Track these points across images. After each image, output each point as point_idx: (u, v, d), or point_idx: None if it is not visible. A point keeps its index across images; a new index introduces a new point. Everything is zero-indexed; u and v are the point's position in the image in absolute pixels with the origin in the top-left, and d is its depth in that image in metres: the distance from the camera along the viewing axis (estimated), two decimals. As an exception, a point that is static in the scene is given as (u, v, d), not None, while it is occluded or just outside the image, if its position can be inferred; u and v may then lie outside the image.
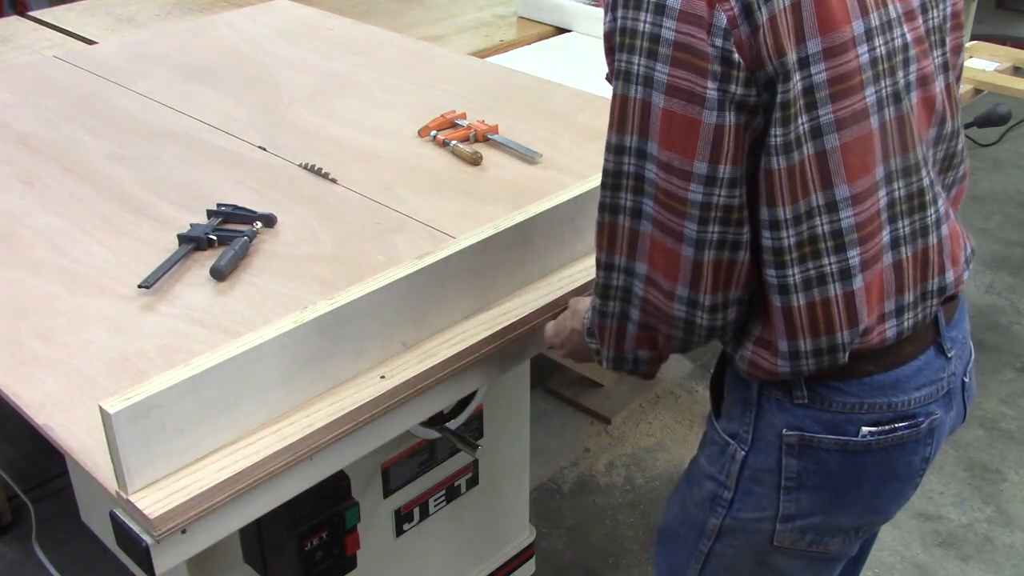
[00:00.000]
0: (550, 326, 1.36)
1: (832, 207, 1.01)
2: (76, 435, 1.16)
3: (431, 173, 1.73)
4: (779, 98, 0.96)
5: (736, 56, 0.93)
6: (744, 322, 1.10)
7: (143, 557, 1.08)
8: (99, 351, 1.29)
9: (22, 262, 1.49)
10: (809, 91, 0.97)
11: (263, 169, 1.75)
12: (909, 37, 1.05)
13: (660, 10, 0.94)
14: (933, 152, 1.12)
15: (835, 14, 0.97)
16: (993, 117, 2.15)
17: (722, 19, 0.93)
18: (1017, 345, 3.06)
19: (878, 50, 1.01)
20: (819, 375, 1.10)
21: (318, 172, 1.72)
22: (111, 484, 1.09)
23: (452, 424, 1.62)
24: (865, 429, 1.11)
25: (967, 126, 2.25)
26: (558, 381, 2.88)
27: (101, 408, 1.04)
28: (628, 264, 1.08)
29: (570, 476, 2.57)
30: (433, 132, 1.83)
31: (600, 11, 2.51)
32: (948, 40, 1.13)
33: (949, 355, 1.16)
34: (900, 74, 1.04)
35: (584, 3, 2.58)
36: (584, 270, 1.47)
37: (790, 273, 1.03)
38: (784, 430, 1.13)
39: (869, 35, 1.00)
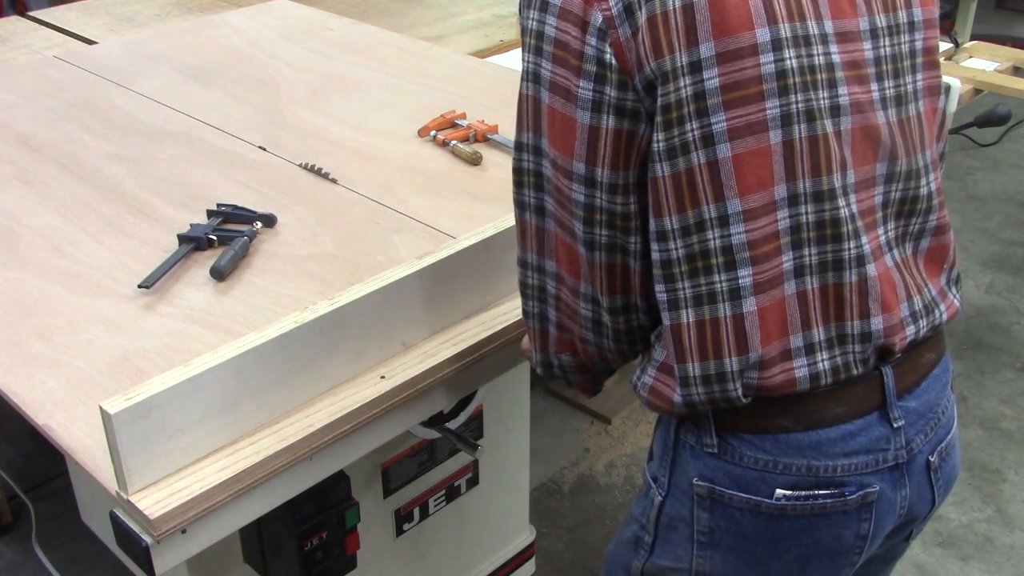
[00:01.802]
0: (526, 339, 1.29)
1: (724, 221, 0.94)
2: (76, 435, 1.16)
3: (431, 173, 1.73)
4: (660, 102, 0.92)
5: (609, 57, 0.92)
6: (652, 346, 1.05)
7: (143, 557, 1.08)
8: (99, 351, 1.29)
9: (22, 262, 1.49)
10: (700, 96, 0.91)
11: (263, 169, 1.75)
12: (838, 58, 0.97)
13: (544, 7, 0.96)
14: (883, 190, 1.02)
15: (732, 19, 0.91)
16: (993, 117, 2.15)
17: (598, 18, 0.92)
18: (1017, 345, 3.06)
19: (788, 62, 0.93)
20: (725, 422, 1.02)
21: (318, 172, 1.72)
22: (111, 484, 1.09)
23: (452, 424, 1.62)
24: (780, 492, 1.01)
25: (967, 126, 2.26)
26: (558, 381, 2.88)
27: (101, 408, 1.04)
28: (539, 261, 1.09)
29: (570, 476, 2.57)
30: (433, 132, 1.83)
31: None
32: (918, 76, 1.06)
33: (895, 424, 1.03)
34: (820, 93, 0.95)
35: (584, 3, 2.58)
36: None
37: (680, 287, 0.97)
38: (695, 479, 1.05)
39: (777, 45, 0.92)
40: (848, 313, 1.00)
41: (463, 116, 1.88)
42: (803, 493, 1.02)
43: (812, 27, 0.96)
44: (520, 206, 1.08)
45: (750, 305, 0.96)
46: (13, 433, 2.53)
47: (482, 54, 2.43)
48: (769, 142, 0.94)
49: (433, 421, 1.56)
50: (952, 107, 2.22)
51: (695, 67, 0.91)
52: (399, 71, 2.17)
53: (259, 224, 1.54)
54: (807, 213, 0.97)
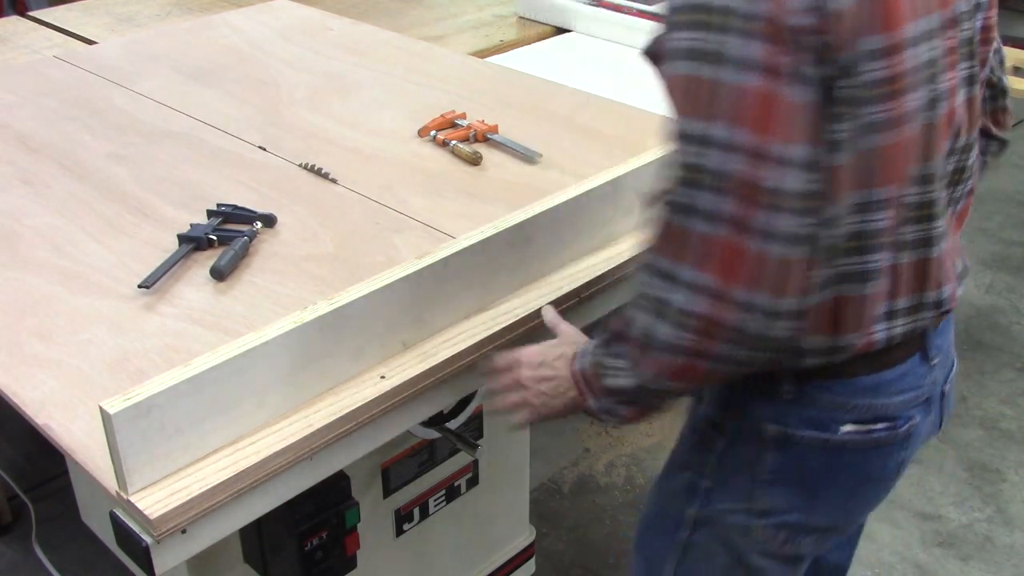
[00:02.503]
0: (529, 351, 1.22)
1: (870, 207, 1.00)
2: (76, 435, 1.16)
3: (431, 173, 1.73)
4: (844, 92, 0.92)
5: (810, 37, 0.89)
6: None
7: (143, 557, 1.08)
8: (99, 351, 1.29)
9: (22, 262, 1.49)
10: (864, 87, 0.94)
11: (263, 169, 1.75)
12: (945, 47, 1.02)
13: None
14: (943, 164, 1.10)
15: (896, 14, 0.94)
16: (993, 117, 2.15)
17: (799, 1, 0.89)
18: (1017, 345, 3.06)
19: (923, 56, 0.98)
20: (802, 372, 1.09)
21: (318, 172, 1.72)
22: (111, 484, 1.09)
23: (452, 424, 1.62)
24: (844, 428, 1.11)
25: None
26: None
27: (101, 408, 1.04)
28: (690, 275, 0.95)
29: (570, 476, 2.57)
30: (433, 132, 1.83)
31: (600, 11, 2.52)
32: (978, 55, 1.12)
33: (932, 363, 1.15)
34: (937, 82, 1.01)
35: (584, 3, 2.58)
36: (584, 270, 1.47)
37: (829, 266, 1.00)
38: (767, 424, 1.13)
39: (918, 40, 0.97)
40: (929, 284, 1.10)
41: (463, 116, 1.88)
42: (863, 428, 1.12)
43: (936, 18, 1.00)
44: (682, 210, 0.95)
45: (874, 287, 1.05)
46: (13, 433, 2.53)
47: (482, 54, 2.43)
48: (907, 134, 0.99)
49: (433, 421, 1.56)
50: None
51: (865, 57, 0.93)
52: (399, 71, 2.17)
53: (259, 224, 1.54)
54: (912, 195, 1.04)
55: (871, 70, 0.93)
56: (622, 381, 1.06)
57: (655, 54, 1.05)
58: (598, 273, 1.46)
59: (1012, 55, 2.50)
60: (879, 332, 1.08)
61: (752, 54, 0.89)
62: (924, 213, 1.06)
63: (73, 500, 1.99)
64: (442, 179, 1.71)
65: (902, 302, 1.09)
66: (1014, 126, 2.22)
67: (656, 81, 1.06)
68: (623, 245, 1.53)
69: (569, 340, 1.22)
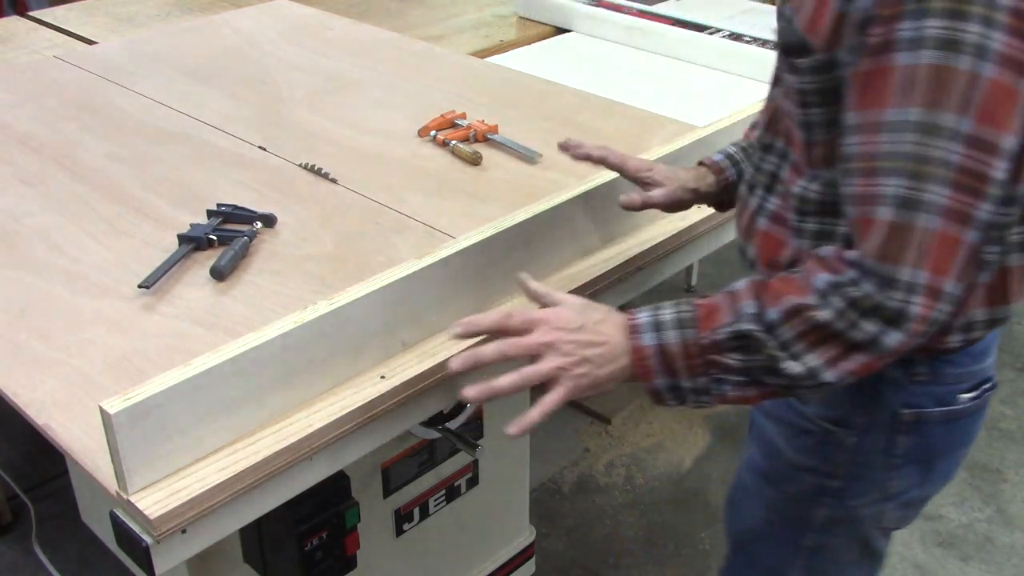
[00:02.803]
0: (564, 311, 1.09)
1: None
2: (76, 435, 1.16)
3: (431, 173, 1.73)
4: None
5: None
6: None
7: (143, 557, 1.08)
8: (99, 351, 1.29)
9: (22, 262, 1.49)
10: None
11: (263, 169, 1.75)
12: None
13: None
14: None
15: None
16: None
17: None
18: (1017, 345, 3.06)
19: None
20: (946, 351, 1.10)
21: (318, 172, 1.72)
22: (111, 484, 1.09)
23: (452, 424, 1.62)
24: (963, 396, 1.15)
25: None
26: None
27: (101, 408, 1.04)
28: (910, 275, 0.93)
29: (570, 476, 2.57)
30: (433, 132, 1.83)
31: (600, 11, 2.52)
32: None
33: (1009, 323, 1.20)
34: None
35: (584, 3, 2.58)
36: (584, 270, 1.47)
37: (1006, 239, 1.03)
38: (901, 409, 1.14)
39: None
40: None
41: (463, 116, 1.88)
42: (976, 392, 1.16)
43: None
44: (904, 204, 0.92)
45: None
46: (13, 433, 2.53)
47: (482, 54, 2.43)
48: None
49: (433, 421, 1.56)
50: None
51: None
52: (399, 71, 2.17)
53: (259, 224, 1.54)
54: None
55: None
56: (790, 367, 0.98)
57: (801, 46, 1.01)
58: (598, 273, 1.46)
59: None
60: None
61: (1012, 51, 0.88)
62: None
63: (73, 500, 1.99)
64: (442, 179, 1.71)
65: None
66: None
67: (790, 72, 1.04)
68: (623, 245, 1.53)
69: (598, 305, 1.10)
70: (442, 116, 1.88)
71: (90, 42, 2.48)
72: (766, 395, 1.03)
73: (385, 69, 2.18)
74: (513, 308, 1.11)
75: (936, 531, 2.39)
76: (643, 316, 1.05)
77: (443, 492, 1.75)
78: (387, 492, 1.64)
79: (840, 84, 0.99)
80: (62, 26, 2.62)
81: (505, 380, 1.06)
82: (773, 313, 0.99)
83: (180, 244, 1.50)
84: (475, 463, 1.79)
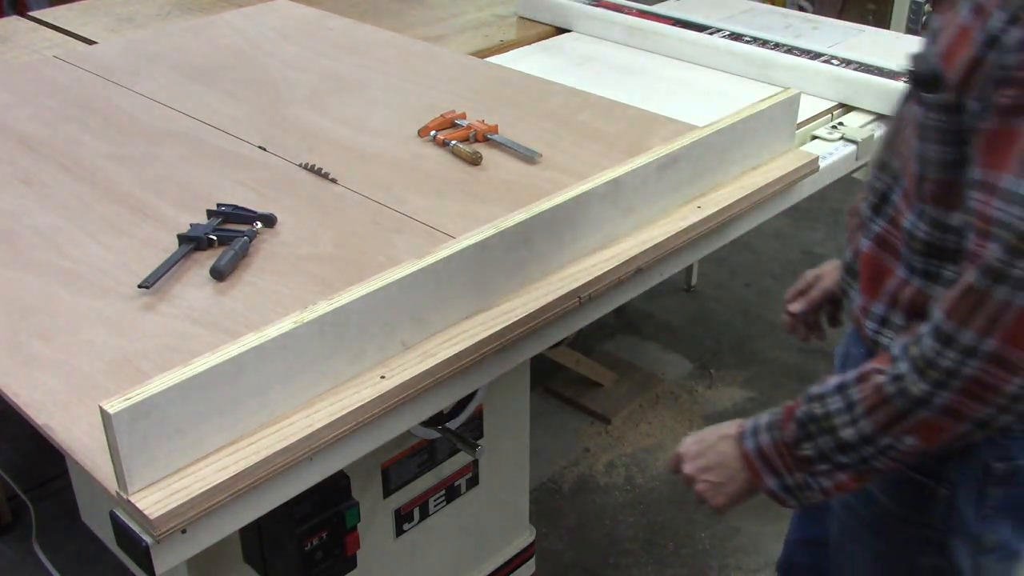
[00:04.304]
0: (688, 442, 1.19)
1: None
2: (76, 435, 1.16)
3: (431, 173, 1.73)
4: None
5: None
6: None
7: (143, 557, 1.08)
8: (99, 351, 1.29)
9: (22, 262, 1.49)
10: None
11: (263, 169, 1.75)
12: None
13: None
14: None
15: None
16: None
17: None
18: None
19: None
20: None
21: (318, 172, 1.72)
22: (111, 484, 1.09)
23: (452, 424, 1.62)
24: None
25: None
26: (558, 381, 2.88)
27: (101, 408, 1.04)
28: (975, 341, 0.93)
29: (570, 476, 2.57)
30: (433, 132, 1.83)
31: (600, 11, 2.52)
32: None
33: None
34: None
35: (584, 3, 2.58)
36: (584, 270, 1.47)
37: None
38: (994, 463, 1.12)
39: None
40: None
41: (463, 116, 1.88)
42: None
43: None
44: (997, 277, 0.91)
45: None
46: (13, 433, 2.53)
47: (482, 54, 2.43)
48: None
49: (433, 421, 1.56)
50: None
51: None
52: (399, 71, 2.17)
53: (259, 224, 1.54)
54: None
55: None
56: (846, 433, 1.02)
57: (932, 79, 1.00)
58: (598, 273, 1.46)
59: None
60: None
61: None
62: None
63: (73, 500, 1.99)
64: (442, 179, 1.71)
65: None
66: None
67: (917, 103, 1.03)
68: (623, 245, 1.53)
69: (726, 424, 1.17)
70: (442, 116, 1.88)
71: (90, 42, 2.48)
72: (857, 478, 1.05)
73: (385, 69, 2.18)
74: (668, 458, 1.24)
75: (936, 531, 2.39)
76: (747, 423, 1.13)
77: (443, 492, 1.75)
78: (387, 492, 1.64)
79: (963, 129, 0.97)
80: (62, 26, 2.62)
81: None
82: (851, 375, 1.03)
83: (180, 244, 1.50)
84: (475, 463, 1.79)
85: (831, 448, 1.03)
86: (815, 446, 1.04)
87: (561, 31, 2.61)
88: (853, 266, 1.20)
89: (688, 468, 1.16)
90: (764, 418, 1.11)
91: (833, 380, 1.05)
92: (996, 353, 0.92)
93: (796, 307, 1.44)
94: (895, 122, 1.17)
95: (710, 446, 1.15)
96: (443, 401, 1.37)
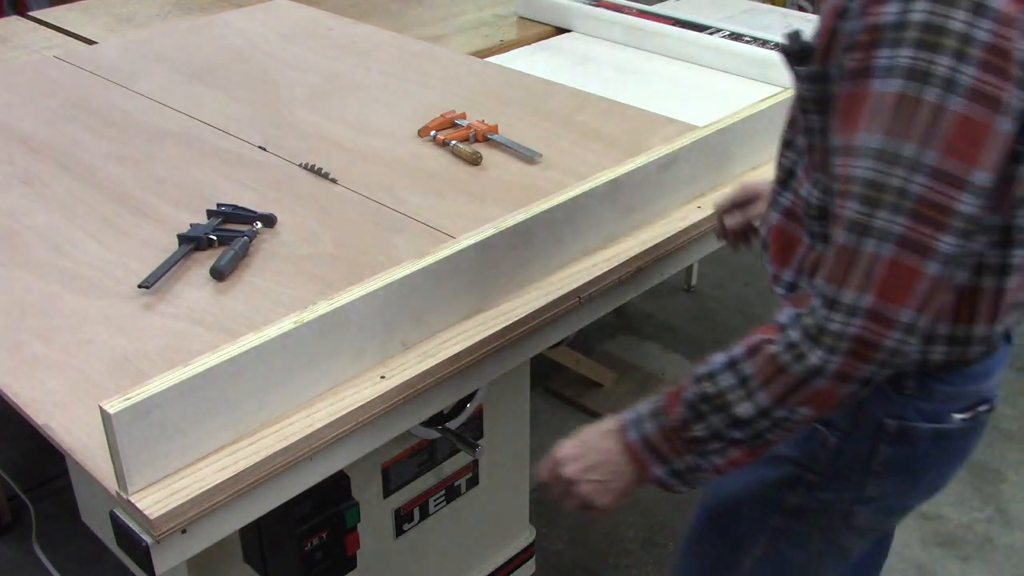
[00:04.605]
0: (566, 446, 1.17)
1: (1021, 203, 1.01)
2: (76, 435, 1.16)
3: (431, 173, 1.73)
4: None
5: None
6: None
7: (143, 557, 1.08)
8: (99, 351, 1.29)
9: (22, 262, 1.49)
10: None
11: (263, 169, 1.75)
12: None
13: (978, 10, 0.88)
14: None
15: None
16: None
17: None
18: (1016, 345, 3.06)
19: None
20: (935, 368, 1.11)
21: (318, 172, 1.72)
22: (111, 484, 1.09)
23: (452, 424, 1.62)
24: (956, 416, 1.15)
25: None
26: (558, 381, 2.88)
27: (101, 408, 1.04)
28: (855, 299, 0.94)
29: (570, 476, 2.57)
30: (433, 132, 1.83)
31: (600, 11, 2.52)
32: None
33: (1013, 341, 1.20)
34: None
35: (584, 3, 2.58)
36: (584, 270, 1.47)
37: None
38: (886, 419, 1.14)
39: None
40: None
41: (463, 116, 1.88)
42: (971, 413, 1.16)
43: None
44: (861, 230, 0.93)
45: (1011, 282, 1.06)
46: (13, 433, 2.53)
47: (482, 54, 2.43)
48: None
49: (433, 421, 1.56)
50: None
51: None
52: (399, 71, 2.17)
53: (259, 224, 1.54)
54: None
55: None
56: (741, 409, 1.02)
57: (801, 53, 1.04)
58: (598, 273, 1.46)
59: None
60: (1006, 326, 1.11)
61: (984, 86, 0.89)
62: None
63: (73, 500, 1.99)
64: (442, 179, 1.71)
65: (1022, 296, 1.10)
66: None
67: (788, 78, 1.08)
68: (623, 245, 1.53)
69: (603, 421, 1.17)
70: (442, 116, 1.88)
71: (90, 42, 2.48)
72: (750, 452, 1.05)
73: (385, 69, 2.18)
74: (541, 464, 1.21)
75: (936, 531, 2.39)
76: (626, 415, 1.13)
77: (443, 492, 1.75)
78: (387, 492, 1.64)
79: (831, 96, 1.01)
80: (62, 26, 2.62)
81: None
82: (738, 350, 1.03)
83: (180, 244, 1.50)
84: (475, 463, 1.79)
85: (725, 425, 1.03)
86: (707, 426, 1.04)
87: (561, 31, 2.61)
88: (767, 240, 1.23)
89: (569, 471, 1.15)
90: (645, 407, 1.11)
91: (720, 357, 1.04)
92: (874, 309, 0.93)
93: (732, 221, 1.45)
94: (793, 100, 1.19)
95: (591, 446, 1.14)
96: (443, 401, 1.37)
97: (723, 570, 1.34)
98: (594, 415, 2.74)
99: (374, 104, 2.01)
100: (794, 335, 0.98)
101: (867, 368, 0.96)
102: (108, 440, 1.06)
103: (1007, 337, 1.18)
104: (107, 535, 1.41)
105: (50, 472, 2.44)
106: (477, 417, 1.72)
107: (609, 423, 1.15)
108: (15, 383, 1.24)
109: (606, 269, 1.47)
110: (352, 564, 1.49)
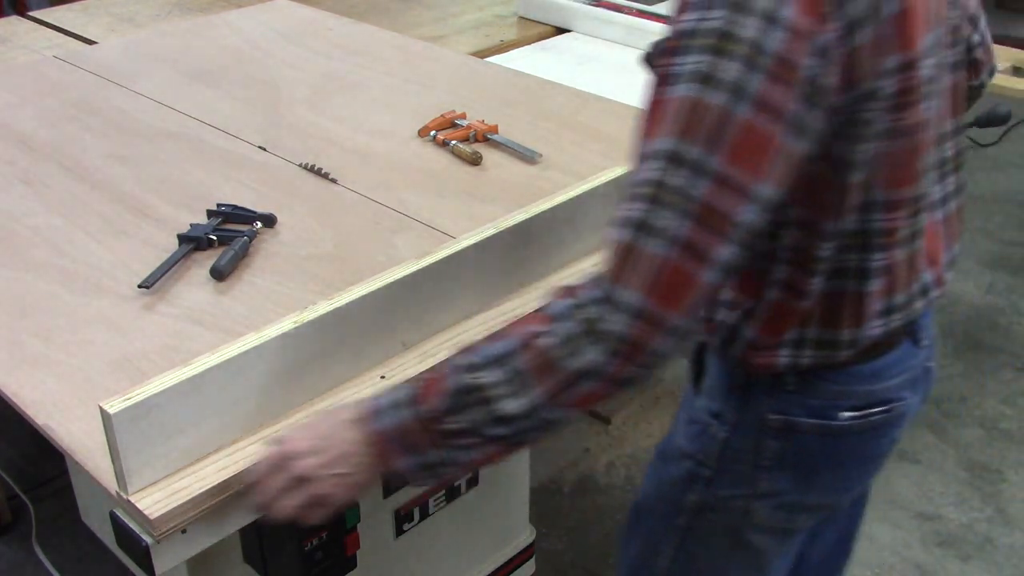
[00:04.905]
0: (297, 438, 1.06)
1: (871, 207, 1.02)
2: (76, 435, 1.16)
3: (431, 173, 1.73)
4: (866, 115, 0.95)
5: (827, 80, 0.91)
6: (744, 321, 1.12)
7: (143, 557, 1.08)
8: (99, 351, 1.29)
9: (22, 262, 1.49)
10: (882, 100, 0.96)
11: (263, 169, 1.75)
12: (944, 50, 1.06)
13: (770, 19, 0.88)
14: (940, 151, 1.12)
15: (913, 30, 0.96)
16: (993, 117, 2.14)
17: (828, 39, 0.90)
18: (1017, 345, 3.06)
19: (933, 64, 1.01)
20: (812, 366, 1.11)
21: (318, 172, 1.72)
22: (111, 484, 1.09)
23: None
24: (844, 414, 1.14)
25: (967, 126, 2.26)
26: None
27: (101, 408, 1.04)
28: (631, 298, 0.93)
29: (570, 476, 2.57)
30: (433, 132, 1.83)
31: (600, 11, 2.52)
32: (960, 47, 1.14)
33: (922, 345, 1.19)
34: (940, 84, 1.04)
35: (584, 3, 2.58)
36: (584, 270, 1.47)
37: (825, 267, 1.05)
38: (769, 414, 1.15)
39: (933, 49, 1.00)
40: (917, 276, 1.12)
41: (463, 116, 1.88)
42: (861, 413, 1.15)
43: (942, 29, 1.03)
44: (641, 227, 0.93)
45: (874, 285, 1.07)
46: (13, 433, 2.53)
47: (482, 54, 2.43)
48: (920, 140, 1.01)
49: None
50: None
51: (881, 75, 0.95)
52: (399, 71, 2.17)
53: (259, 224, 1.54)
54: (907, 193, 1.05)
55: (888, 85, 0.96)
56: (508, 404, 0.96)
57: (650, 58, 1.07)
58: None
59: (1012, 55, 2.50)
60: (877, 328, 1.11)
61: (772, 96, 0.89)
62: (916, 208, 1.07)
63: (73, 500, 1.99)
64: (442, 179, 1.71)
65: (899, 298, 1.11)
66: (1014, 126, 2.22)
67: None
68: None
69: (337, 411, 1.07)
70: (442, 116, 1.88)
71: (90, 42, 2.48)
72: (507, 450, 1.00)
73: (385, 69, 2.18)
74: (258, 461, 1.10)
75: (936, 531, 2.39)
76: (368, 405, 1.04)
77: (443, 492, 1.75)
78: (387, 492, 1.64)
79: None
80: (62, 26, 2.62)
81: (279, 513, 1.06)
82: (500, 347, 0.98)
83: (180, 244, 1.50)
84: (475, 463, 1.79)
85: (487, 421, 0.97)
86: (468, 419, 0.98)
87: (561, 31, 2.61)
88: None
89: (305, 466, 1.03)
90: (397, 394, 1.03)
91: (488, 348, 0.99)
92: (648, 310, 0.92)
93: None
94: None
95: (331, 437, 1.04)
96: (443, 401, 1.36)
97: (643, 571, 1.35)
98: (594, 415, 2.75)
99: (374, 104, 2.01)
100: (571, 329, 0.94)
101: (633, 370, 0.94)
102: (108, 440, 1.06)
103: (914, 339, 1.17)
104: (107, 535, 1.41)
105: (50, 472, 2.44)
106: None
107: (346, 412, 1.05)
108: (15, 383, 1.24)
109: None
110: (352, 564, 1.49)
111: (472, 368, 0.98)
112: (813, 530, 1.35)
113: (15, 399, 1.22)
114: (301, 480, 1.03)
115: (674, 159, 0.90)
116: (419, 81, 2.11)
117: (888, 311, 1.10)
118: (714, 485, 1.21)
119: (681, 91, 0.91)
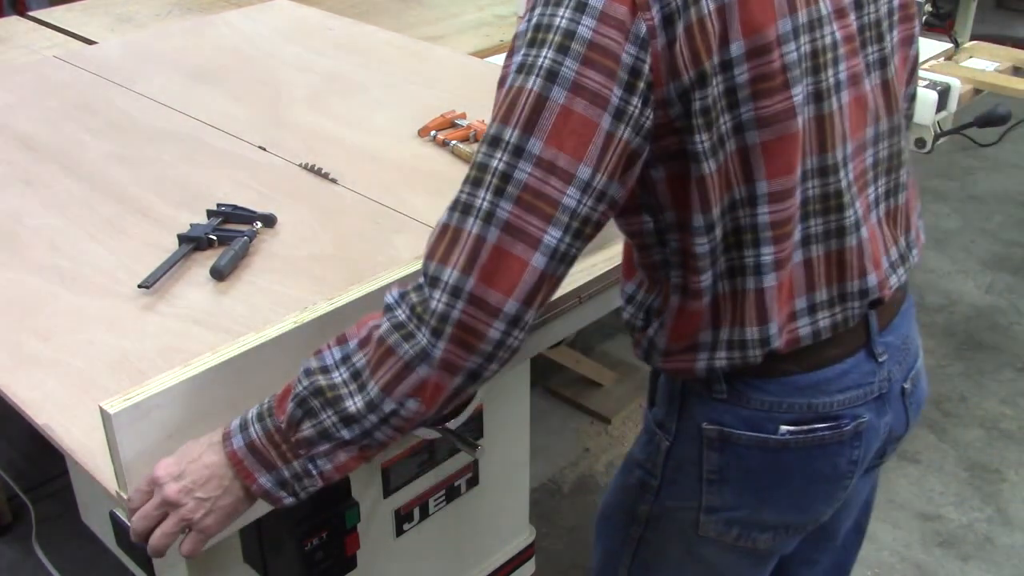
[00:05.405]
0: (163, 464, 1.03)
1: (752, 201, 1.00)
2: (76, 435, 1.16)
3: (431, 173, 1.73)
4: (697, 105, 0.94)
5: (645, 68, 0.91)
6: (661, 328, 1.10)
7: (143, 557, 1.08)
8: (99, 351, 1.29)
9: (22, 262, 1.49)
10: (731, 91, 0.95)
11: (263, 169, 1.75)
12: (839, 35, 1.02)
13: (580, 7, 0.90)
14: (874, 151, 1.09)
15: (758, 16, 0.94)
16: (993, 117, 2.15)
17: (642, 28, 0.90)
18: (1017, 345, 3.06)
19: (803, 49, 0.98)
20: (737, 372, 1.09)
21: (318, 172, 1.72)
22: (111, 484, 1.09)
23: (452, 424, 1.62)
24: (784, 428, 1.10)
25: (967, 126, 2.27)
26: (558, 381, 2.88)
27: (101, 408, 1.04)
28: (458, 280, 0.92)
29: (570, 476, 2.57)
30: (433, 132, 1.83)
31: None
32: (894, 33, 1.11)
33: (880, 359, 1.14)
34: (827, 73, 1.01)
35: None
36: (584, 270, 1.47)
37: (718, 265, 1.03)
38: (704, 424, 1.13)
39: (796, 33, 0.97)
40: (849, 274, 1.09)
41: (463, 116, 1.88)
42: (804, 427, 1.10)
43: (823, 8, 1.00)
44: (465, 209, 0.94)
45: (771, 280, 1.04)
46: (13, 433, 2.53)
47: (482, 54, 2.43)
48: (796, 128, 0.99)
49: (433, 421, 1.55)
50: (952, 107, 2.21)
51: (726, 65, 0.94)
52: (399, 71, 2.17)
53: (259, 224, 1.54)
54: (812, 188, 1.04)
55: (735, 76, 0.95)
56: (351, 403, 0.96)
57: None
58: (598, 273, 1.46)
59: (1012, 55, 2.50)
60: (802, 328, 1.08)
61: (587, 81, 0.90)
62: (830, 204, 1.05)
63: (73, 500, 1.99)
64: (442, 179, 1.71)
65: (821, 295, 1.08)
66: (1014, 126, 2.23)
67: None
68: (623, 245, 1.52)
69: (211, 433, 1.05)
70: (442, 116, 1.88)
71: (90, 42, 2.48)
72: (359, 455, 1.00)
73: (385, 69, 2.18)
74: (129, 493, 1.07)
75: (936, 531, 2.39)
76: (233, 422, 1.03)
77: (443, 492, 1.75)
78: (387, 492, 1.64)
79: None
80: (62, 26, 2.62)
81: (155, 548, 1.04)
82: (345, 346, 0.99)
83: (180, 244, 1.50)
84: (475, 463, 1.79)
85: (335, 423, 0.97)
86: (318, 423, 0.97)
87: (561, 31, 2.61)
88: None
89: (169, 491, 1.01)
90: (253, 410, 1.02)
91: (334, 351, 0.99)
92: (475, 294, 0.92)
93: None
94: None
95: (193, 460, 1.02)
96: (443, 401, 1.36)
97: None
98: (594, 415, 2.76)
99: (374, 104, 2.01)
100: (401, 314, 0.95)
101: (472, 359, 0.94)
102: (108, 440, 1.06)
103: (869, 351, 1.13)
104: (107, 535, 1.41)
105: (50, 472, 2.44)
106: (477, 417, 1.72)
107: (215, 434, 1.04)
108: (15, 383, 1.24)
109: (606, 269, 1.47)
110: (352, 564, 1.49)
111: (319, 371, 0.99)
112: (805, 556, 1.32)
113: (15, 399, 1.22)
114: (168, 505, 1.02)
115: (496, 143, 0.93)
116: (419, 81, 2.12)
117: (811, 309, 1.08)
118: (662, 495, 1.20)
119: (507, 83, 0.94)
